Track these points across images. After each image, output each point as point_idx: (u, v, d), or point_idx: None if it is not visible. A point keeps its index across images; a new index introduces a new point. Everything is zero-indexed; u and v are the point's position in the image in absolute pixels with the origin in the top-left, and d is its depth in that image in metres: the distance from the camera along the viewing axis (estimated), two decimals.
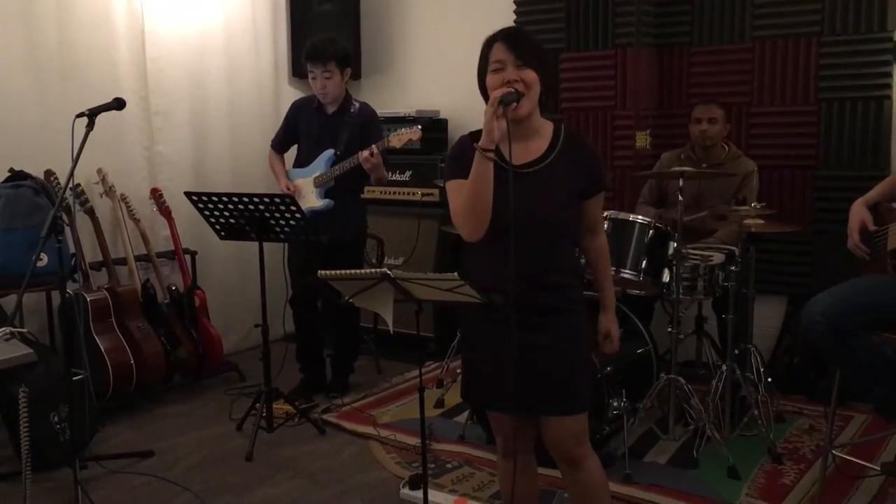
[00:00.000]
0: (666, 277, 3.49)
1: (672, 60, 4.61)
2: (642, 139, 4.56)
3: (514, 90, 2.02)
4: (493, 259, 2.13)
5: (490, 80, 2.11)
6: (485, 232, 2.10)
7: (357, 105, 4.11)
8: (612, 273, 3.30)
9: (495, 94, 2.00)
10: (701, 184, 3.96)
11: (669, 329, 3.55)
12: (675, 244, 3.40)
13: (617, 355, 2.54)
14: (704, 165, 3.99)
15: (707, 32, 4.48)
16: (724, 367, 3.48)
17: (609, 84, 4.56)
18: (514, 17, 4.91)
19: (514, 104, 2.02)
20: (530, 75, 2.06)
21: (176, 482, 3.30)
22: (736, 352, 3.55)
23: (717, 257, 3.56)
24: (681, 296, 3.45)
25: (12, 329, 2.32)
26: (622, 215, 3.53)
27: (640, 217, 3.54)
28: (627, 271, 3.43)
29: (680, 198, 3.38)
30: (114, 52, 4.40)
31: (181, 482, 3.30)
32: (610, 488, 2.44)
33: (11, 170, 3.86)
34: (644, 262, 3.44)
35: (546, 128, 2.20)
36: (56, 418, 3.41)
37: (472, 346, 2.34)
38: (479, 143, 2.02)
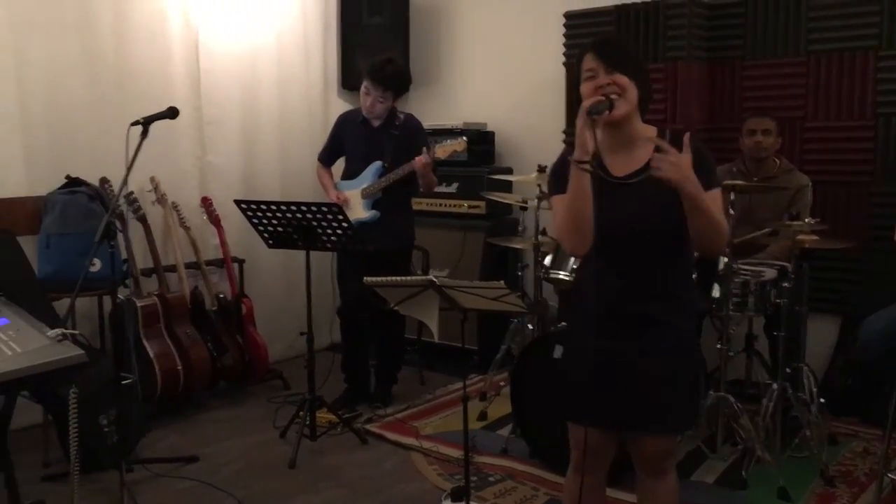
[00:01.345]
0: (716, 293, 3.42)
1: (724, 74, 4.55)
2: None
3: (604, 98, 1.99)
4: (598, 270, 2.09)
5: (583, 87, 2.07)
6: (589, 246, 2.06)
7: (402, 117, 4.13)
8: None
9: (584, 105, 1.98)
10: (752, 198, 3.89)
11: (719, 346, 3.48)
12: (726, 259, 3.34)
13: (694, 377, 2.35)
14: (756, 179, 3.91)
15: (760, 46, 4.41)
16: (776, 386, 3.40)
17: (659, 98, 4.51)
18: (563, 30, 4.90)
19: (607, 112, 1.98)
20: (622, 79, 2.02)
21: (220, 487, 3.33)
22: (788, 370, 3.46)
23: (769, 273, 3.48)
24: (731, 312, 3.38)
25: (65, 331, 2.36)
26: None
27: None
28: None
29: (731, 211, 3.32)
30: (168, 64, 4.49)
31: (225, 487, 3.32)
32: None
33: (68, 177, 3.96)
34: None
35: (650, 133, 2.12)
36: (105, 421, 3.46)
37: (571, 357, 2.29)
38: (574, 156, 1.99)
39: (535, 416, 3.44)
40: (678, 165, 1.90)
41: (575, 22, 4.87)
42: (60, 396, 2.97)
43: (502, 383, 4.21)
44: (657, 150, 1.94)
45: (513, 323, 4.27)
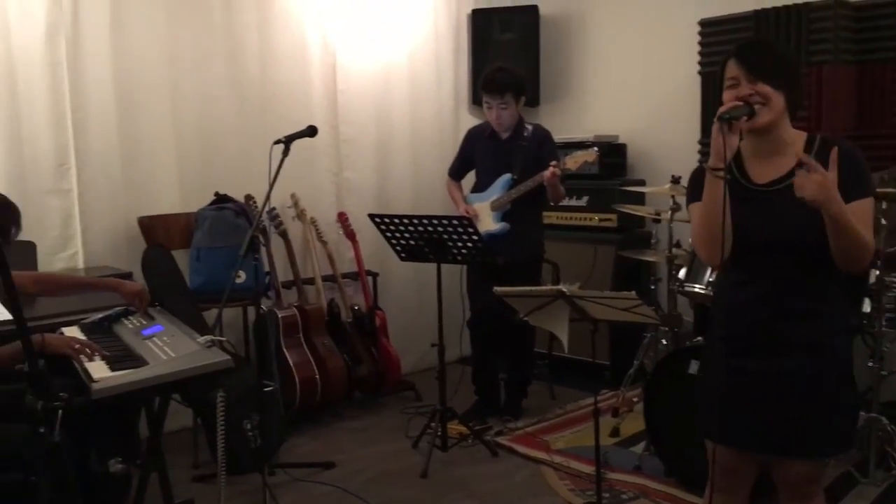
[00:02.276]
0: (867, 308, 3.23)
1: (874, 77, 4.29)
2: None
3: (742, 103, 1.91)
4: (737, 282, 2.03)
5: (724, 96, 1.99)
6: (725, 256, 1.98)
7: (530, 128, 4.14)
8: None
9: (720, 110, 1.91)
10: None
11: (871, 364, 3.27)
12: (878, 272, 3.14)
13: (846, 398, 2.14)
14: None
15: None
16: None
17: (803, 104, 4.31)
18: (698, 38, 4.77)
19: (745, 118, 1.91)
20: (765, 88, 1.94)
21: (355, 493, 3.42)
22: None
23: None
24: (883, 328, 3.18)
25: (213, 338, 2.50)
26: None
27: None
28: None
29: (883, 221, 3.13)
30: (308, 86, 4.70)
31: (360, 494, 3.41)
32: None
33: (216, 194, 4.20)
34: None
35: (799, 140, 2.02)
36: (249, 426, 3.63)
37: (707, 372, 2.22)
38: (708, 163, 1.93)
39: (670, 433, 3.34)
40: (823, 185, 1.79)
41: (711, 29, 4.73)
42: (209, 400, 3.15)
43: (635, 399, 4.12)
44: (799, 165, 1.83)
45: (646, 338, 4.18)
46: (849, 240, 1.86)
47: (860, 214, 1.90)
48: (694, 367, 2.95)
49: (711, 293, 3.28)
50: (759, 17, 4.49)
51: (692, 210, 2.10)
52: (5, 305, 2.78)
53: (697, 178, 2.09)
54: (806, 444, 2.02)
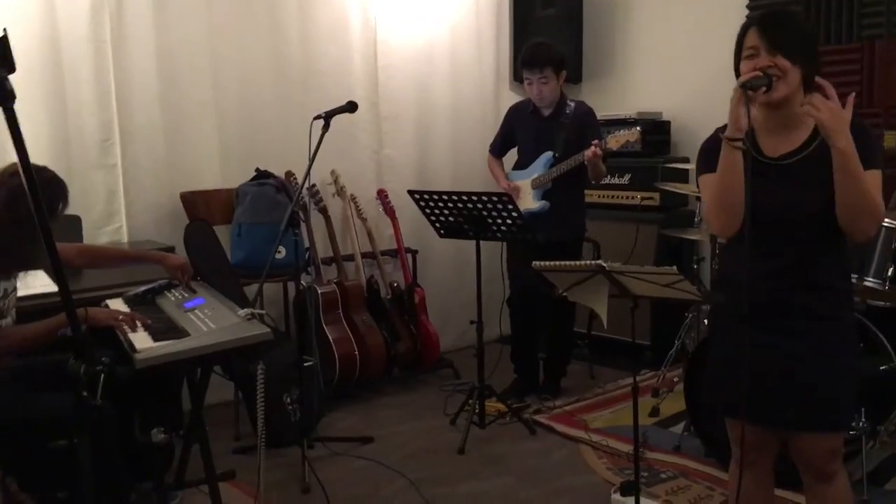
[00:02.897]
0: None
1: None
2: (891, 139, 4.14)
3: (762, 74, 1.89)
4: (748, 255, 1.99)
5: (743, 66, 1.98)
6: (738, 228, 1.98)
7: (572, 105, 4.09)
8: (855, 281, 3.04)
9: (740, 79, 1.90)
10: None
11: None
12: None
13: (855, 371, 2.20)
14: None
15: None
16: None
17: (854, 80, 4.20)
18: (745, 12, 4.65)
19: (764, 88, 1.89)
20: (784, 62, 1.91)
21: (393, 468, 3.44)
22: None
23: None
24: None
25: (254, 311, 2.52)
26: None
27: (886, 220, 3.21)
28: (871, 279, 3.12)
29: None
30: (348, 62, 4.70)
31: (397, 468, 3.43)
32: None
33: (257, 169, 4.23)
34: (891, 270, 3.11)
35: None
36: (288, 399, 3.67)
37: (719, 347, 2.22)
38: (725, 133, 1.92)
39: (711, 413, 3.29)
40: (836, 113, 1.80)
41: (759, 3, 4.62)
42: (249, 373, 3.19)
43: (676, 379, 4.08)
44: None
45: (687, 318, 4.12)
46: (857, 189, 1.85)
47: (871, 182, 1.90)
48: None
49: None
50: None
51: (704, 181, 2.10)
52: (51, 276, 2.84)
53: (710, 149, 2.08)
54: (827, 416, 2.02)
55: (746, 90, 1.87)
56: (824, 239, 1.98)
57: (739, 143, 1.90)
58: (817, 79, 1.88)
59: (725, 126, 1.96)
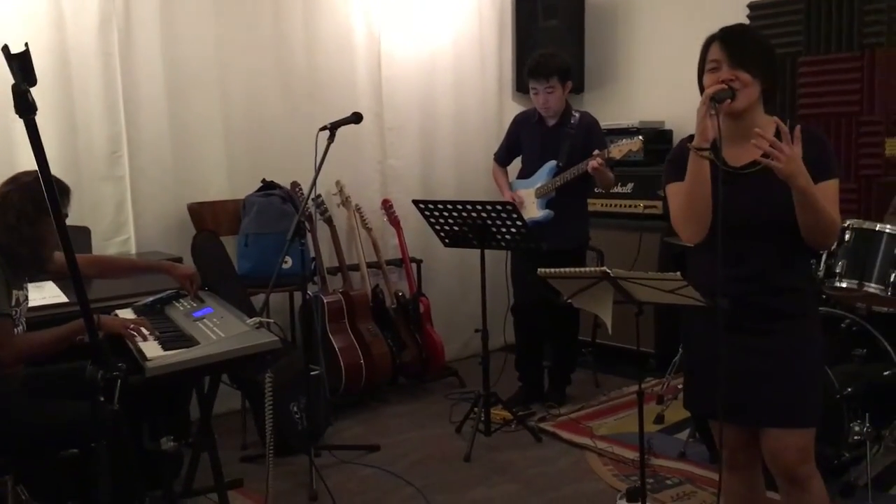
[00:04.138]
0: None
1: None
2: (893, 146, 4.18)
3: (727, 87, 1.99)
4: (714, 261, 2.04)
5: (706, 78, 2.10)
6: (705, 234, 2.07)
7: (577, 115, 4.12)
8: (856, 287, 3.07)
9: (707, 92, 2.00)
10: None
11: None
12: None
13: (821, 368, 2.30)
14: None
15: None
16: None
17: (854, 88, 4.24)
18: (747, 22, 4.69)
19: (728, 100, 1.99)
20: (745, 76, 2.02)
21: (399, 475, 3.46)
22: None
23: None
24: None
25: (261, 319, 2.56)
26: (867, 224, 3.24)
27: (888, 227, 3.23)
28: (873, 285, 3.13)
29: None
30: (353, 73, 4.74)
31: (404, 476, 3.45)
32: None
33: (264, 180, 4.27)
34: (893, 276, 3.13)
35: (770, 126, 2.07)
36: (295, 408, 3.70)
37: (693, 351, 2.28)
38: (692, 143, 2.01)
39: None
40: (792, 159, 1.88)
41: (760, 13, 4.66)
42: (257, 382, 3.22)
43: (680, 386, 4.08)
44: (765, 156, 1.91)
45: None
46: (816, 215, 1.94)
47: (828, 194, 2.00)
48: None
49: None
50: None
51: (671, 190, 2.18)
52: (59, 286, 2.88)
53: (676, 159, 2.18)
54: (794, 411, 2.08)
55: (714, 102, 1.95)
56: (787, 244, 2.06)
57: (706, 153, 1.98)
58: (757, 131, 1.91)
59: (691, 136, 2.06)
